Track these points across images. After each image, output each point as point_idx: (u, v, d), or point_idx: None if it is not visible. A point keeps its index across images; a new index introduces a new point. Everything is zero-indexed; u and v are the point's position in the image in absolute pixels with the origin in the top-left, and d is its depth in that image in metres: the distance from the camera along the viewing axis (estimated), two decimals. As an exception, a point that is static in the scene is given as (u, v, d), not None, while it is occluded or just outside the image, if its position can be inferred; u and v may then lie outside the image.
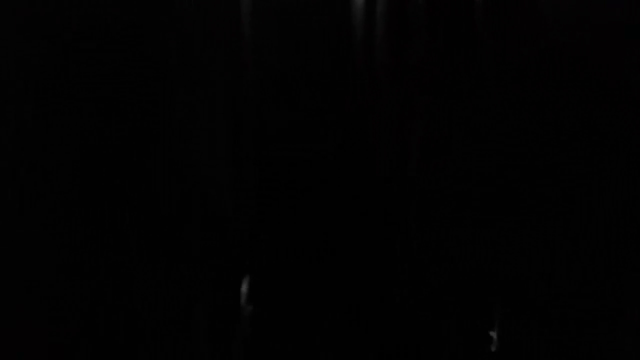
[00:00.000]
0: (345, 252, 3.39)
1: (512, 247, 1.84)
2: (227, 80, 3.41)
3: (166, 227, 1.85)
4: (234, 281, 3.42)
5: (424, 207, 2.96)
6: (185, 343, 2.01)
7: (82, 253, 1.10)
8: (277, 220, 5.58)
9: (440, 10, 2.92)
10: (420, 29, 3.60)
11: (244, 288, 3.65)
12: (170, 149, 1.92)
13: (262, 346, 3.62)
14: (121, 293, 1.39)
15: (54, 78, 0.97)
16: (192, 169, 2.22)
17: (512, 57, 1.91)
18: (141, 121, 1.59)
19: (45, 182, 0.94)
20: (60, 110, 1.00)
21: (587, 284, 1.40)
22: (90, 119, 1.19)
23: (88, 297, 1.16)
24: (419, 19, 3.69)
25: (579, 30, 1.50)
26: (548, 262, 1.60)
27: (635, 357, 1.19)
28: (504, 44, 1.99)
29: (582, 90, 1.47)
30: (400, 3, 4.10)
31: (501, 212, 1.95)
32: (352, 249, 3.39)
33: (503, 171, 1.95)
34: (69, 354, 1.03)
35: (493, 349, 1.82)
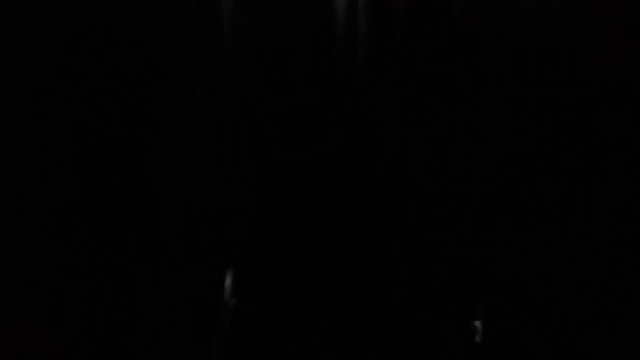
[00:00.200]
0: (342, 249, 3.39)
1: (511, 247, 1.84)
2: (225, 79, 3.41)
3: (155, 225, 1.85)
4: (217, 275, 3.41)
5: (423, 207, 2.96)
6: (167, 338, 2.01)
7: (78, 253, 1.10)
8: (272, 217, 5.57)
9: (423, 5, 2.92)
10: (402, 24, 3.60)
11: (228, 282, 3.64)
12: (168, 149, 1.93)
13: (245, 340, 3.61)
14: (112, 292, 1.39)
15: (53, 78, 0.98)
16: (187, 169, 2.22)
17: (508, 54, 1.92)
18: (140, 121, 1.59)
19: (44, 181, 0.95)
20: (59, 110, 1.00)
21: (586, 283, 1.40)
22: (89, 119, 1.19)
23: (82, 296, 1.16)
24: (400, 14, 3.69)
25: (579, 28, 1.50)
26: (548, 261, 1.60)
27: (635, 357, 1.19)
28: (497, 42, 1.99)
29: (582, 90, 1.47)
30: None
31: (501, 212, 1.95)
32: (348, 246, 3.39)
33: (502, 171, 1.95)
34: (64, 352, 1.04)
35: (478, 339, 1.83)
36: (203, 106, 2.63)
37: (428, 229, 2.90)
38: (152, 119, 1.72)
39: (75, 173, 1.08)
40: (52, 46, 0.96)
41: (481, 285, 1.87)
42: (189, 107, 2.33)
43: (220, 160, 3.15)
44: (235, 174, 3.60)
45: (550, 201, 1.60)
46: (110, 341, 1.31)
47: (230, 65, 3.53)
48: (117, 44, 1.38)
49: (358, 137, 3.48)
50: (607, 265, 1.32)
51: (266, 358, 3.50)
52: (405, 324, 3.14)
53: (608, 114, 1.34)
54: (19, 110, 0.82)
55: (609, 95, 1.35)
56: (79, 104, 1.10)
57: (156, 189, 1.80)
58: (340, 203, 3.51)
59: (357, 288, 3.47)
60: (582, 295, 1.42)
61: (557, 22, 1.62)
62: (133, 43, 1.49)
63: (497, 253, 1.81)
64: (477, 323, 1.82)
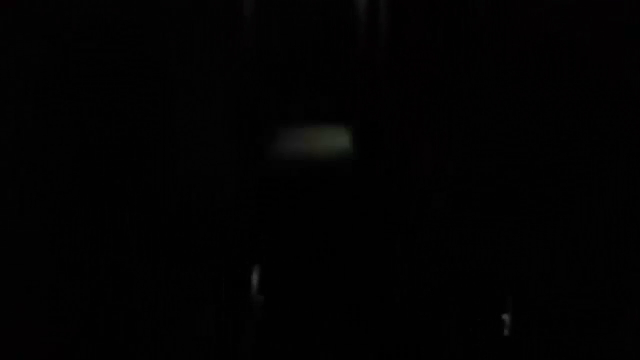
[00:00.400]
0: (349, 246, 3.39)
1: (516, 243, 1.85)
2: (228, 79, 3.41)
3: (171, 223, 1.86)
4: (243, 273, 3.43)
5: (428, 207, 2.97)
6: (195, 333, 2.02)
7: (90, 251, 1.10)
8: (280, 217, 5.59)
9: (439, 4, 2.93)
10: (420, 23, 3.61)
11: (255, 279, 3.66)
12: (171, 148, 1.93)
13: (272, 336, 3.64)
14: (133, 285, 1.39)
15: (53, 78, 0.98)
16: (194, 165, 2.22)
17: (512, 55, 1.92)
18: (142, 121, 1.58)
19: (45, 181, 0.94)
20: (60, 110, 1.00)
21: (588, 277, 1.41)
22: (90, 119, 1.19)
23: (96, 291, 1.16)
24: (419, 13, 3.69)
25: (578, 28, 1.50)
26: (550, 256, 1.61)
27: (636, 348, 1.19)
28: (505, 42, 1.99)
29: (581, 90, 1.47)
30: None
31: (505, 210, 1.95)
32: (355, 243, 3.39)
33: (505, 170, 1.95)
34: (72, 353, 1.04)
35: (506, 332, 1.84)
36: (204, 106, 2.63)
37: (434, 227, 2.90)
38: (153, 119, 1.72)
39: (76, 173, 1.08)
40: (52, 46, 0.96)
41: (509, 279, 1.88)
42: (190, 106, 2.33)
43: (224, 157, 3.15)
44: (240, 169, 3.60)
45: (552, 199, 1.61)
46: (133, 336, 1.32)
47: (232, 66, 3.53)
48: (117, 44, 1.38)
49: (361, 137, 3.49)
50: (607, 259, 1.33)
51: (289, 351, 3.52)
52: (435, 317, 3.15)
53: (608, 113, 1.34)
54: (19, 110, 0.81)
55: (608, 95, 1.35)
56: (80, 103, 1.10)
57: (158, 186, 1.80)
58: (343, 200, 3.51)
59: (362, 279, 3.47)
60: (584, 288, 1.42)
61: (557, 23, 1.62)
62: (133, 43, 1.49)
63: (502, 249, 1.81)
64: (506, 316, 1.83)
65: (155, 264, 1.58)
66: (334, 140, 9.73)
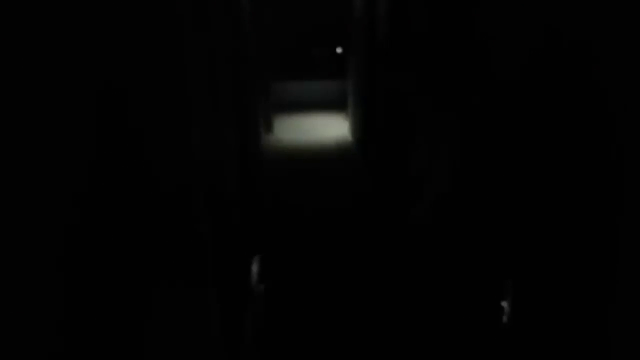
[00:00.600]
0: (349, 234, 3.42)
1: (514, 230, 1.87)
2: (234, 75, 3.43)
3: (184, 214, 1.88)
4: (244, 262, 3.49)
5: (432, 197, 2.99)
6: (199, 322, 2.06)
7: (92, 243, 1.13)
8: (285, 208, 5.61)
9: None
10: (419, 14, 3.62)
11: (255, 268, 3.72)
12: (176, 143, 1.95)
13: (273, 323, 3.70)
14: (134, 274, 1.42)
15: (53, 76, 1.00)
16: (196, 157, 2.25)
17: (511, 53, 1.94)
18: (148, 119, 1.61)
19: (49, 179, 0.97)
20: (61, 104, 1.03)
21: (587, 263, 1.43)
22: (95, 115, 1.21)
23: (101, 283, 1.19)
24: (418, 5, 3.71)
25: (576, 27, 1.52)
26: (549, 242, 1.64)
27: (633, 334, 1.22)
28: (503, 38, 2.02)
29: (578, 89, 1.49)
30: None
31: (503, 198, 1.98)
32: (353, 230, 3.42)
33: (503, 160, 1.98)
34: (81, 348, 1.07)
35: (505, 319, 1.86)
36: (211, 104, 2.66)
37: (452, 212, 2.93)
38: (159, 117, 1.75)
39: (81, 170, 1.11)
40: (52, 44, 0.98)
41: (508, 267, 1.91)
42: (197, 105, 2.35)
43: (228, 149, 3.18)
44: (242, 163, 3.63)
45: (551, 193, 1.63)
46: (135, 327, 1.35)
47: (238, 62, 3.55)
48: (130, 38, 1.40)
49: (362, 128, 3.50)
50: (603, 251, 1.36)
51: (293, 340, 3.56)
52: (433, 305, 3.19)
53: (605, 112, 1.37)
54: (17, 108, 0.84)
55: (605, 94, 1.37)
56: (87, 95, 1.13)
57: (181, 180, 1.83)
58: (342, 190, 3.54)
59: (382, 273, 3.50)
60: (580, 278, 1.45)
61: (555, 19, 1.64)
62: (139, 37, 1.51)
63: (521, 236, 1.84)
64: (504, 303, 1.86)
65: (157, 255, 1.61)
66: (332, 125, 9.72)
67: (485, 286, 2.17)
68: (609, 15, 1.38)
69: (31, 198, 0.85)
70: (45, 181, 0.91)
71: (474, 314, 2.41)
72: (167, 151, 1.71)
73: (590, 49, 1.45)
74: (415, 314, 3.29)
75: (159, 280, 1.59)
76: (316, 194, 5.80)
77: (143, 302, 1.40)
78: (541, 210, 1.69)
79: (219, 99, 2.74)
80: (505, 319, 1.86)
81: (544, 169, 1.69)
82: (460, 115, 2.63)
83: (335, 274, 3.84)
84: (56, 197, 0.94)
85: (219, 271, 2.57)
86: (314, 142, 8.54)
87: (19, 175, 0.81)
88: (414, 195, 3.22)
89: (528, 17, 1.82)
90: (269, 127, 9.33)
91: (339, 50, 11.57)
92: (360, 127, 6.49)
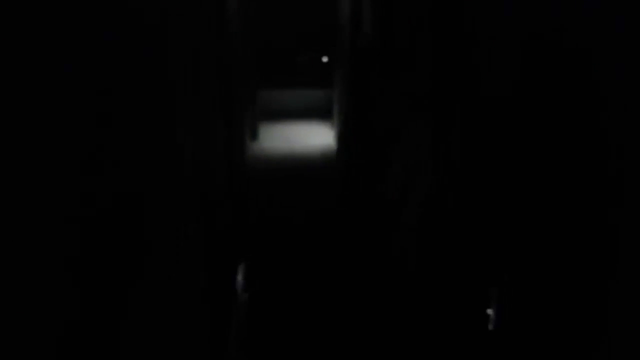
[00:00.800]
0: (331, 243, 3.42)
1: (500, 236, 1.87)
2: (220, 84, 3.42)
3: (169, 221, 1.87)
4: (229, 270, 3.47)
5: (423, 199, 2.99)
6: (185, 328, 2.03)
7: (83, 249, 1.11)
8: (271, 214, 5.60)
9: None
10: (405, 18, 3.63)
11: (240, 277, 3.71)
12: (167, 143, 1.94)
13: (257, 330, 3.69)
14: (123, 284, 1.40)
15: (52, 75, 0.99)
16: (188, 163, 2.24)
17: (503, 53, 1.95)
18: (146, 117, 1.60)
19: (45, 177, 0.95)
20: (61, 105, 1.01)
21: (574, 269, 1.43)
22: (95, 115, 1.20)
23: (90, 289, 1.17)
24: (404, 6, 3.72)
25: (571, 27, 1.53)
26: (535, 249, 1.64)
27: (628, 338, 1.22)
28: (495, 39, 2.03)
29: (574, 89, 1.50)
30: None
31: (489, 204, 1.98)
32: (337, 239, 3.42)
33: (491, 164, 1.99)
34: (72, 348, 1.05)
35: (490, 327, 1.85)
36: (201, 105, 2.64)
37: (428, 222, 2.93)
38: (152, 117, 1.74)
39: (80, 169, 1.09)
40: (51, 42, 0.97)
41: (493, 274, 1.90)
42: (188, 105, 2.34)
43: (218, 154, 3.17)
44: (232, 168, 3.61)
45: (542, 194, 1.64)
46: (122, 332, 1.33)
47: (227, 66, 3.54)
48: (125, 39, 1.38)
49: (359, 128, 3.50)
50: (597, 253, 1.36)
51: (277, 346, 3.56)
52: (418, 313, 3.18)
53: (601, 112, 1.37)
54: (15, 107, 0.82)
55: (601, 94, 1.38)
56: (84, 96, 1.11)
57: (167, 185, 1.81)
58: (342, 193, 3.54)
59: (366, 279, 3.50)
60: (571, 280, 1.45)
61: (549, 19, 1.65)
62: (135, 37, 1.50)
63: (507, 243, 1.84)
64: (490, 310, 1.85)
65: (147, 262, 1.60)
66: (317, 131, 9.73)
67: (471, 293, 2.17)
68: (599, 21, 1.39)
69: (32, 198, 0.84)
70: (45, 177, 0.89)
71: (459, 322, 2.41)
72: (157, 157, 1.69)
73: (577, 54, 1.46)
74: (401, 324, 3.28)
75: (146, 285, 1.57)
76: (300, 204, 5.79)
77: (129, 304, 1.38)
78: (528, 216, 1.70)
79: (204, 107, 2.73)
80: (490, 326, 1.86)
81: (531, 175, 1.69)
82: (442, 119, 2.64)
83: (317, 281, 3.83)
84: (55, 195, 0.92)
85: (206, 278, 2.55)
86: (300, 152, 8.53)
87: (20, 175, 0.80)
88: (396, 203, 3.22)
89: (515, 22, 1.83)
90: (254, 136, 9.31)
91: (324, 59, 11.59)
92: (345, 136, 6.50)
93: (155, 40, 1.74)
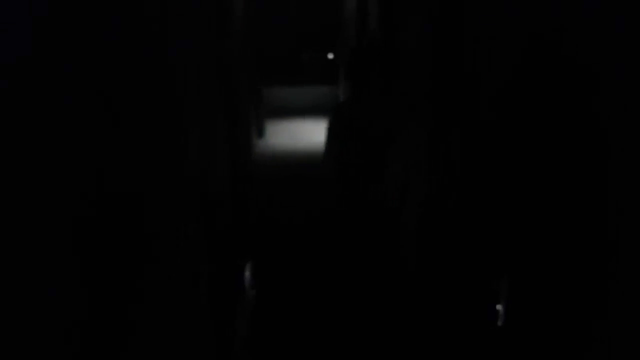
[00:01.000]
0: (337, 241, 3.42)
1: (509, 231, 1.86)
2: (227, 76, 3.42)
3: (176, 220, 1.87)
4: (236, 268, 3.48)
5: (444, 195, 2.98)
6: (189, 325, 2.04)
7: (86, 244, 1.11)
8: (277, 211, 5.59)
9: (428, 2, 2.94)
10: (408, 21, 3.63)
11: (247, 274, 3.72)
12: (170, 144, 1.93)
13: (263, 327, 3.72)
14: (128, 278, 1.40)
15: (50, 73, 0.98)
16: (193, 163, 2.23)
17: (501, 55, 1.94)
18: (148, 119, 1.59)
19: (47, 177, 0.95)
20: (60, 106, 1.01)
21: (583, 265, 1.42)
22: (96, 116, 1.19)
23: (97, 289, 1.17)
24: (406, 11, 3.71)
25: (566, 28, 1.52)
26: (545, 245, 1.63)
27: (630, 333, 1.21)
28: (493, 40, 2.01)
29: (569, 89, 1.49)
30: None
31: (498, 199, 1.97)
32: (342, 236, 3.42)
33: (500, 160, 1.98)
34: (76, 348, 1.05)
35: (500, 323, 1.84)
36: (204, 106, 2.64)
37: (446, 214, 2.93)
38: (162, 117, 1.73)
39: (81, 170, 1.08)
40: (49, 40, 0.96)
41: (502, 270, 1.89)
42: (191, 107, 2.34)
43: (220, 154, 3.17)
44: (235, 168, 3.61)
45: (545, 191, 1.63)
46: (129, 330, 1.33)
47: (229, 67, 3.53)
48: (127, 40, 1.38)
49: (359, 129, 3.49)
50: (600, 251, 1.35)
51: (284, 344, 3.57)
52: (427, 309, 3.18)
53: (597, 111, 1.36)
54: (14, 107, 0.82)
55: (596, 94, 1.37)
56: (87, 99, 1.11)
57: (172, 183, 1.81)
58: (336, 194, 3.53)
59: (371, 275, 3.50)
60: (578, 279, 1.44)
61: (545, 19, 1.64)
62: (137, 40, 1.49)
63: (517, 237, 1.82)
64: (499, 306, 1.84)
65: (153, 258, 1.59)
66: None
67: (478, 287, 2.16)
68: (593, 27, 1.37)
69: (36, 197, 0.84)
70: (53, 179, 0.89)
71: (466, 317, 2.39)
72: (162, 155, 1.69)
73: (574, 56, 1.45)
74: (406, 317, 3.28)
75: (152, 281, 1.57)
76: (305, 201, 5.79)
77: (135, 301, 1.38)
78: (529, 214, 1.69)
79: (208, 105, 2.72)
80: (499, 322, 1.85)
81: (537, 167, 1.68)
82: (442, 119, 2.63)
83: (323, 277, 3.83)
84: (61, 195, 0.92)
85: (211, 274, 2.55)
86: (306, 148, 8.53)
87: (20, 175, 0.80)
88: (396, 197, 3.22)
89: (516, 21, 1.82)
90: (261, 133, 9.32)
91: (330, 56, 11.57)
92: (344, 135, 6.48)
93: (157, 37, 1.74)
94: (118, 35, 1.34)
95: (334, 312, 3.55)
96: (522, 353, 1.75)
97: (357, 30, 6.67)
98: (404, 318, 3.31)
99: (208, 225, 2.51)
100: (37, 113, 0.92)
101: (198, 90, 2.43)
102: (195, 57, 2.42)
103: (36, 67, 0.92)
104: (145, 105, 1.57)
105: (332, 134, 3.32)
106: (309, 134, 9.66)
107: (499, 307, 1.88)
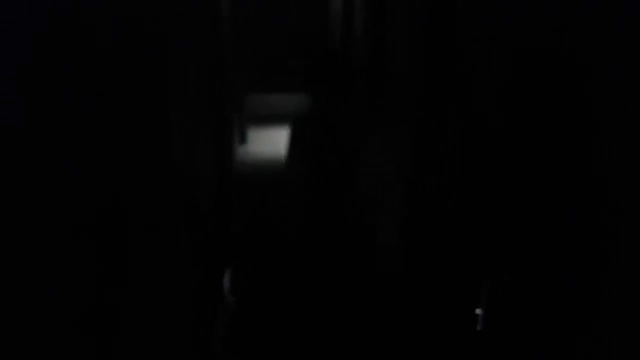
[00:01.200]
0: (322, 245, 3.42)
1: (490, 234, 1.87)
2: (212, 81, 3.40)
3: (156, 224, 1.85)
4: (216, 275, 3.46)
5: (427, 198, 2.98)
6: (173, 329, 2.02)
7: (74, 252, 1.10)
8: (258, 218, 5.58)
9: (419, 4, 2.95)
10: (399, 23, 3.64)
11: (226, 281, 3.71)
12: (167, 148, 1.92)
13: (243, 333, 3.70)
14: (111, 290, 1.38)
15: (48, 74, 0.97)
16: (177, 168, 2.22)
17: (493, 55, 1.95)
18: (139, 119, 1.58)
19: (42, 178, 0.94)
20: (54, 106, 1.00)
21: (565, 269, 1.43)
22: (89, 118, 1.18)
23: (82, 294, 1.15)
24: (398, 13, 3.73)
25: (560, 29, 1.53)
26: (526, 248, 1.63)
27: (621, 338, 1.22)
28: (485, 42, 2.03)
29: (564, 90, 1.50)
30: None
31: (480, 202, 1.98)
32: (323, 242, 3.41)
33: (481, 164, 1.99)
34: (63, 351, 1.03)
35: (479, 327, 1.85)
36: (190, 108, 2.63)
37: (427, 217, 2.93)
38: (151, 118, 1.72)
39: (74, 171, 1.07)
40: (45, 42, 0.95)
41: (483, 274, 1.90)
42: (187, 105, 2.33)
43: (203, 160, 3.15)
44: (218, 173, 3.59)
45: (534, 193, 1.64)
46: (109, 338, 1.31)
47: (216, 69, 3.52)
48: (119, 42, 1.37)
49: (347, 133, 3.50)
50: (590, 251, 1.36)
51: (263, 350, 3.55)
52: (406, 313, 3.18)
53: (592, 112, 1.38)
54: (13, 108, 0.81)
55: (591, 94, 1.38)
56: (78, 101, 1.10)
57: (156, 188, 1.80)
58: (329, 194, 3.53)
59: (335, 278, 3.50)
60: (579, 286, 1.45)
61: (538, 20, 1.66)
62: (130, 42, 1.48)
63: (497, 240, 1.83)
64: (479, 311, 1.84)
65: (156, 263, 1.58)
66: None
67: (458, 292, 2.16)
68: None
69: (40, 202, 0.83)
70: (55, 185, 0.88)
71: (446, 321, 2.40)
72: (146, 157, 1.68)
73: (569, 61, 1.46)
74: (391, 325, 3.28)
75: (134, 285, 1.55)
76: (286, 208, 5.78)
77: (116, 303, 1.36)
78: (519, 212, 1.69)
79: (194, 110, 2.71)
80: (479, 326, 1.85)
81: (526, 167, 1.69)
82: (429, 122, 2.64)
83: (302, 283, 3.82)
84: (64, 199, 0.91)
85: (193, 283, 2.53)
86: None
87: (20, 175, 0.79)
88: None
89: (511, 25, 1.83)
90: (243, 140, 9.29)
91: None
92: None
93: (148, 37, 1.73)
94: (112, 37, 1.33)
95: (317, 315, 3.54)
96: (505, 358, 1.75)
97: (342, 35, 6.70)
98: (386, 324, 3.31)
99: (191, 228, 2.49)
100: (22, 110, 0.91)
101: (185, 91, 2.42)
102: (185, 62, 2.42)
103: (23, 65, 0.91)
104: (131, 105, 1.56)
105: (295, 152, 3.24)
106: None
107: (478, 311, 1.88)
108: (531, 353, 1.57)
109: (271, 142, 9.56)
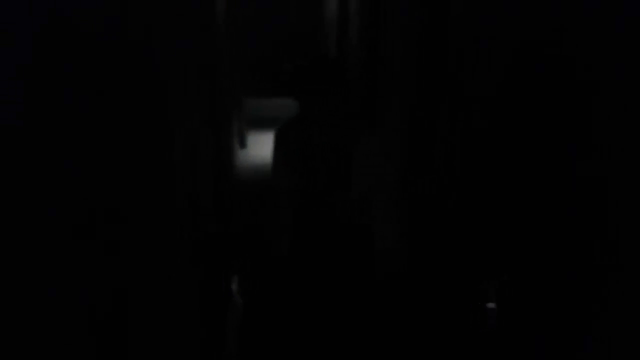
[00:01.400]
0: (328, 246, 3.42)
1: (500, 230, 1.87)
2: (211, 84, 3.40)
3: (164, 227, 1.85)
4: (224, 278, 3.46)
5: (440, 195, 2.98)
6: (181, 332, 2.01)
7: (77, 254, 1.09)
8: (257, 224, 5.58)
9: (414, 7, 2.96)
10: (394, 26, 3.65)
11: (235, 285, 3.72)
12: (171, 150, 1.92)
13: (253, 335, 3.72)
14: (119, 289, 1.38)
15: (47, 76, 0.97)
16: (180, 171, 2.22)
17: (487, 57, 1.95)
18: (140, 120, 1.58)
19: (41, 178, 0.93)
20: (54, 106, 0.99)
21: (576, 263, 1.43)
22: (89, 120, 1.18)
23: (86, 295, 1.15)
24: (393, 16, 3.73)
25: (556, 29, 1.53)
26: (536, 243, 1.63)
27: (624, 334, 1.22)
28: (480, 45, 2.03)
29: (560, 90, 1.50)
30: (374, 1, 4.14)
31: (488, 198, 1.98)
32: (331, 243, 3.41)
33: (489, 162, 1.98)
34: (67, 351, 1.03)
35: (490, 323, 1.84)
36: (189, 112, 2.63)
37: (436, 214, 2.93)
38: (152, 119, 1.72)
39: (75, 172, 1.07)
40: (46, 44, 0.95)
41: (495, 269, 1.89)
42: (188, 107, 2.32)
43: (205, 164, 3.15)
44: (220, 176, 3.59)
45: (537, 191, 1.63)
46: (119, 340, 1.30)
47: (212, 73, 3.52)
48: (116, 44, 1.37)
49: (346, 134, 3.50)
50: (593, 251, 1.35)
51: (274, 351, 3.56)
52: (418, 310, 3.18)
53: (589, 112, 1.37)
54: (11, 109, 0.80)
55: (588, 94, 1.38)
56: (77, 104, 1.09)
57: (161, 191, 1.79)
58: (321, 196, 3.53)
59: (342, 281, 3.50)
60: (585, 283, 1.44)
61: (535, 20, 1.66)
62: (131, 44, 1.48)
63: (507, 236, 1.83)
64: (491, 305, 1.84)
65: (143, 268, 1.57)
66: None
67: (469, 287, 2.16)
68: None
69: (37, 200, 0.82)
70: (50, 183, 0.88)
71: (457, 317, 2.39)
72: (147, 160, 1.67)
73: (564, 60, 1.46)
74: (400, 324, 3.27)
75: (138, 289, 1.54)
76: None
77: (121, 309, 1.36)
78: (529, 208, 1.69)
79: (194, 108, 2.71)
80: (491, 322, 1.85)
81: (528, 165, 1.69)
82: (425, 120, 2.64)
83: (306, 286, 3.83)
84: (45, 196, 0.91)
85: (199, 282, 2.53)
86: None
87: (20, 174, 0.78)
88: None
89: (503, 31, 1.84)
90: (243, 144, 9.29)
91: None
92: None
93: (145, 38, 1.73)
94: (110, 36, 1.33)
95: (324, 314, 3.54)
96: (515, 356, 1.75)
97: (338, 38, 6.71)
98: (394, 325, 3.30)
99: (194, 231, 2.49)
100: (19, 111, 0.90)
101: (185, 93, 2.42)
102: (182, 65, 2.42)
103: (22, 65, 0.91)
104: (132, 106, 1.56)
105: (282, 161, 3.20)
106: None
107: (490, 306, 1.88)
108: (531, 353, 1.57)
109: (271, 146, 9.57)
